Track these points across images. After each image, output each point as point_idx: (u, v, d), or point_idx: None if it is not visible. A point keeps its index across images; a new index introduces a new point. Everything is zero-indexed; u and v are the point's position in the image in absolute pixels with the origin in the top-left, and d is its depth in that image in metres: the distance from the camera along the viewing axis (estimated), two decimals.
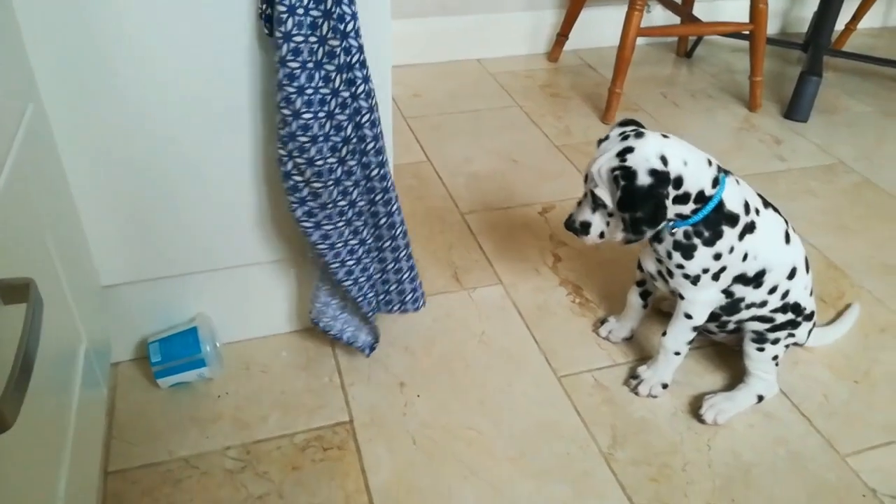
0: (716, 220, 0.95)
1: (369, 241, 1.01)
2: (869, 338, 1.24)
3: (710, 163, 0.95)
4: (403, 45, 2.13)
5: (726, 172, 0.97)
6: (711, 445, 1.03)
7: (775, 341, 1.06)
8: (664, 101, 2.05)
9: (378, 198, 0.98)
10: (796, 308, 1.06)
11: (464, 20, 2.21)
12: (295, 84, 0.83)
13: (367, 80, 0.87)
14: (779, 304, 1.04)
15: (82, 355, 0.79)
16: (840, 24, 2.21)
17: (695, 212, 0.94)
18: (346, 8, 0.82)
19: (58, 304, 0.73)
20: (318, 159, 0.88)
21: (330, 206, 0.93)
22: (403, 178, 1.63)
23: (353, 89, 0.87)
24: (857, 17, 2.35)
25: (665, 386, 1.09)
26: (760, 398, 1.08)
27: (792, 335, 1.08)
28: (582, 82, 2.15)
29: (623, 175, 0.90)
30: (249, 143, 0.96)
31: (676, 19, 2.28)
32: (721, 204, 0.94)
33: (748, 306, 1.04)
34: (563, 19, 2.22)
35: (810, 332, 1.14)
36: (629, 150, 0.91)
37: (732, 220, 0.95)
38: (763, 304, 1.03)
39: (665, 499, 0.96)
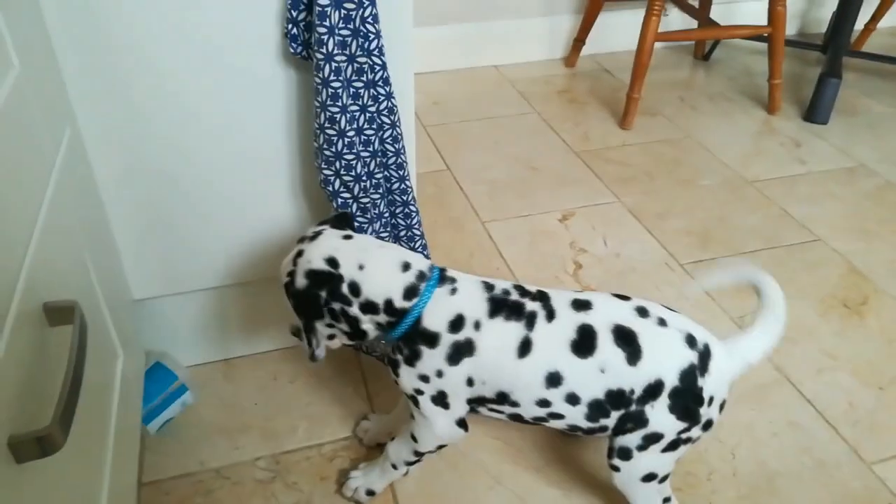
0: (413, 337, 0.80)
1: None
2: (893, 344, 1.24)
3: (406, 267, 0.80)
4: (421, 53, 2.14)
5: (446, 279, 0.81)
6: (736, 454, 1.04)
7: (626, 454, 0.82)
8: (682, 105, 2.05)
9: (399, 210, 1.00)
10: (624, 401, 0.80)
11: (481, 27, 2.22)
12: (339, 103, 0.85)
13: (389, 96, 0.89)
14: (583, 413, 0.81)
15: (119, 371, 0.81)
16: (859, 24, 2.19)
17: (391, 324, 0.80)
18: (370, 27, 0.83)
19: (96, 322, 0.75)
20: (364, 175, 0.90)
21: (377, 219, 0.96)
22: (424, 186, 1.64)
23: (378, 105, 0.89)
24: (876, 17, 2.33)
25: (371, 493, 0.95)
26: None
27: (656, 437, 0.81)
28: (599, 87, 2.16)
29: (289, 280, 0.80)
30: (275, 161, 0.98)
31: (693, 23, 2.27)
32: (419, 319, 0.79)
33: (543, 419, 0.84)
34: (580, 24, 2.22)
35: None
36: (300, 253, 0.80)
37: (430, 339, 0.79)
38: (558, 416, 0.82)
39: None
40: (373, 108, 0.89)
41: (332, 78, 0.83)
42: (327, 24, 0.80)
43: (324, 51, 0.82)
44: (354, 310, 0.79)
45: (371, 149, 0.92)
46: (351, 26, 0.82)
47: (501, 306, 0.81)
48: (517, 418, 0.85)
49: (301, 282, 0.78)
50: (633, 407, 0.80)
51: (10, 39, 0.62)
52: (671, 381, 0.78)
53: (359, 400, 1.11)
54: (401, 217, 1.00)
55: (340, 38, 0.82)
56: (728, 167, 1.75)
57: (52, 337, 0.59)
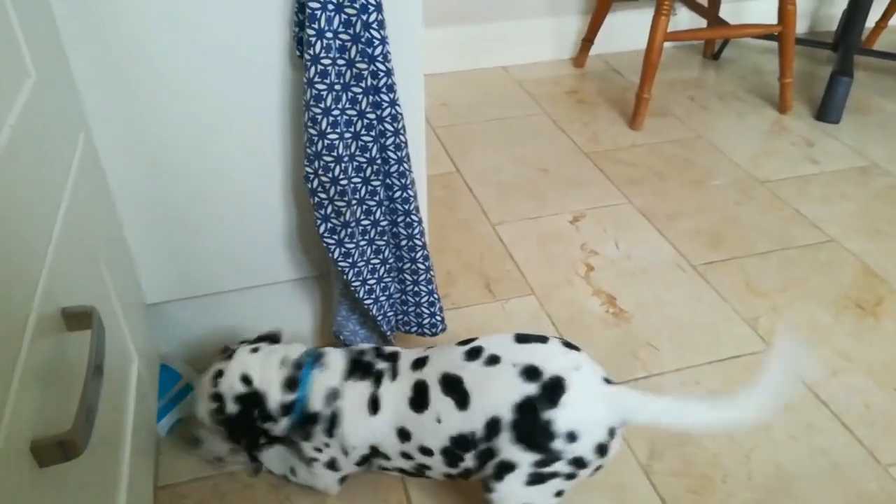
0: (304, 421, 0.88)
1: (391, 261, 1.02)
2: None
3: (282, 363, 0.88)
4: (429, 54, 2.14)
5: (313, 359, 0.89)
6: (751, 457, 1.03)
7: (488, 488, 0.82)
8: (692, 105, 2.05)
9: (400, 219, 0.99)
10: (470, 444, 0.81)
11: (488, 28, 2.22)
12: (321, 105, 0.85)
13: (393, 103, 0.89)
14: (442, 461, 0.85)
15: (135, 374, 0.82)
16: (870, 22, 2.18)
17: (294, 416, 0.88)
18: (374, 33, 0.83)
19: (112, 327, 0.76)
20: (342, 178, 0.90)
21: (353, 224, 0.95)
22: (433, 189, 1.64)
23: (380, 112, 0.89)
24: (887, 15, 2.32)
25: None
26: None
27: (507, 466, 0.80)
28: (608, 87, 2.15)
29: (215, 401, 0.88)
30: (283, 166, 0.98)
31: (702, 21, 2.26)
32: (304, 405, 0.88)
33: (418, 470, 0.89)
34: (588, 24, 2.22)
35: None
36: (219, 373, 0.89)
37: (313, 419, 0.87)
38: (426, 467, 0.87)
39: None
40: (372, 115, 0.89)
41: (316, 79, 0.83)
42: (316, 26, 0.80)
43: (311, 52, 0.82)
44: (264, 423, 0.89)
45: (368, 155, 0.91)
46: (351, 31, 0.82)
47: (357, 367, 0.89)
48: (401, 471, 0.91)
49: (232, 408, 0.88)
50: (482, 445, 0.81)
51: (26, 49, 0.63)
52: (507, 415, 0.78)
53: None
54: (402, 226, 1.00)
55: (339, 43, 0.82)
56: (739, 167, 1.75)
57: (70, 342, 0.60)
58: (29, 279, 0.54)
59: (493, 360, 0.82)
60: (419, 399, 0.83)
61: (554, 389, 0.78)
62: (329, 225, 0.93)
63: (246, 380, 0.88)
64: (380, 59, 0.85)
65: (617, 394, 0.81)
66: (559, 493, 0.81)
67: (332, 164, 0.88)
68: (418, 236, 0.99)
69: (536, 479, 0.79)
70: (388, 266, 1.02)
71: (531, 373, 0.79)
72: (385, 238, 0.98)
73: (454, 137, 1.87)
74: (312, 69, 0.83)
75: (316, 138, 0.86)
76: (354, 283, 0.99)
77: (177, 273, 1.03)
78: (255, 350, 0.91)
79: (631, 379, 1.16)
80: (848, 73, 1.93)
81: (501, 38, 2.24)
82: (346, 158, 0.89)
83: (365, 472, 0.94)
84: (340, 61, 0.83)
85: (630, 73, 2.22)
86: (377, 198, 0.94)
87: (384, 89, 0.87)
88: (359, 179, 0.91)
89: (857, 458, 1.03)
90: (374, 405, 0.86)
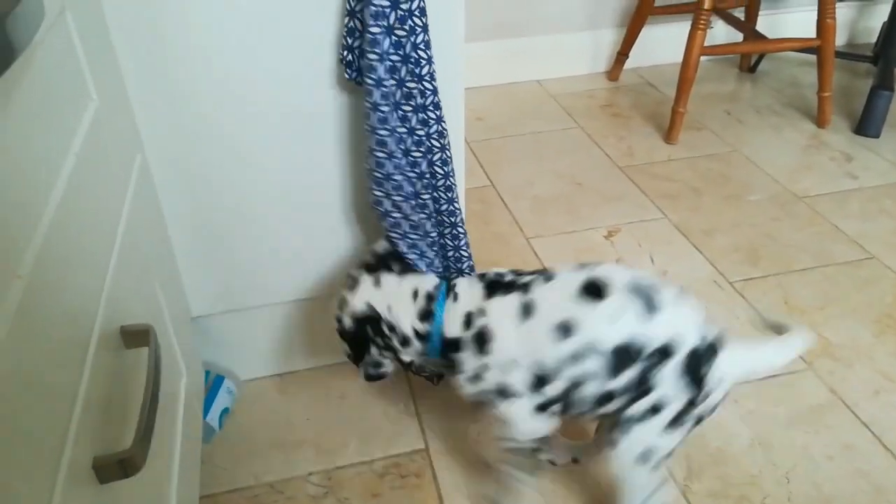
0: (445, 352, 0.88)
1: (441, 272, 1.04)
2: None
3: (415, 296, 0.90)
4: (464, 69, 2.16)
5: (444, 291, 0.90)
6: (791, 478, 1.02)
7: (627, 427, 0.82)
8: (728, 119, 2.03)
9: (447, 231, 1.01)
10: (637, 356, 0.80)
11: (523, 42, 2.23)
12: (387, 126, 0.87)
13: (439, 120, 0.91)
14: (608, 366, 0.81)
15: (184, 389, 0.84)
16: None
17: (431, 347, 0.90)
18: (422, 53, 0.85)
19: (164, 343, 0.78)
20: (411, 195, 0.92)
21: (425, 236, 0.97)
22: (469, 203, 1.65)
23: (427, 129, 0.91)
24: None
25: None
26: None
27: (658, 408, 0.81)
28: (643, 101, 2.15)
29: (337, 321, 0.93)
30: (325, 183, 1.00)
31: (738, 34, 2.25)
32: (442, 334, 0.88)
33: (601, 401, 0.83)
34: (623, 38, 2.22)
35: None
36: (343, 301, 0.93)
37: (456, 345, 0.87)
38: (580, 383, 0.83)
39: None
40: (422, 132, 0.91)
41: (381, 102, 0.85)
42: (378, 50, 0.82)
43: (374, 76, 0.84)
44: (395, 344, 0.91)
45: (418, 170, 0.93)
46: (401, 52, 0.84)
47: (497, 287, 0.88)
48: (567, 406, 0.85)
49: (348, 323, 0.91)
50: (643, 364, 0.79)
51: (89, 75, 0.65)
52: (689, 342, 0.79)
53: (407, 417, 1.13)
54: (449, 238, 1.01)
55: (390, 64, 0.84)
56: (777, 182, 1.73)
57: (127, 359, 0.62)
58: (93, 297, 0.56)
59: (681, 296, 0.82)
60: (594, 290, 0.81)
61: (720, 340, 0.82)
62: (409, 241, 0.96)
63: (369, 306, 0.90)
64: (427, 78, 0.87)
65: (743, 348, 0.85)
66: (679, 443, 0.84)
67: (404, 183, 0.90)
68: (464, 247, 1.01)
69: (675, 421, 0.82)
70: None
71: (705, 322, 0.82)
72: (435, 250, 1.00)
73: (489, 151, 1.89)
74: (377, 93, 0.85)
75: (384, 160, 0.89)
76: None
77: (222, 286, 1.06)
78: (377, 282, 0.92)
79: None
80: (888, 87, 1.90)
81: (536, 52, 2.25)
82: (407, 176, 0.92)
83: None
84: (391, 81, 0.86)
85: (665, 87, 2.21)
86: (427, 211, 0.96)
87: (431, 107, 0.89)
88: (412, 194, 0.94)
89: None
90: (525, 310, 0.83)
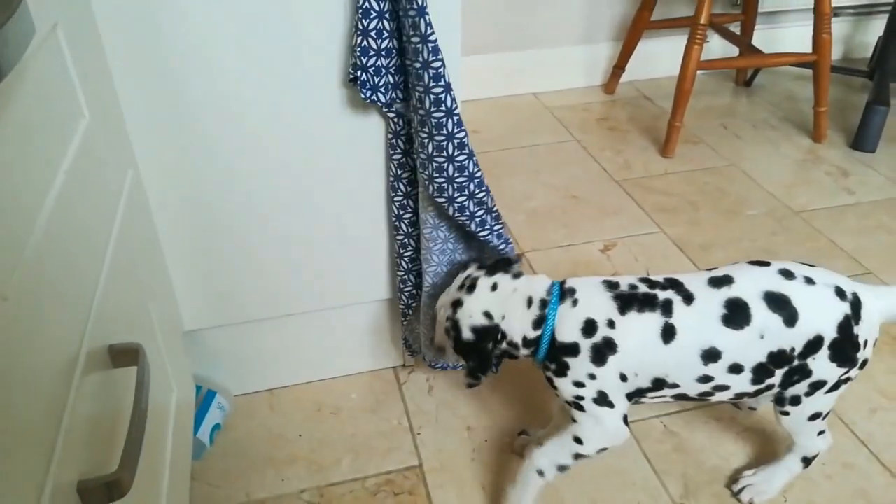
0: (555, 354, 0.88)
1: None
2: None
3: (529, 303, 0.89)
4: (461, 81, 2.16)
5: (558, 295, 0.89)
6: (788, 497, 1.01)
7: (796, 401, 0.90)
8: (725, 133, 2.03)
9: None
10: (785, 359, 0.85)
11: (519, 55, 2.23)
12: (463, 127, 0.90)
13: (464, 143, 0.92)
14: (749, 379, 0.86)
15: (174, 406, 0.83)
16: None
17: (534, 352, 0.90)
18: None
19: (155, 360, 0.77)
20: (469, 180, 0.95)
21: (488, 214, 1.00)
22: None
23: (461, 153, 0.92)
24: None
25: None
26: (807, 462, 0.98)
27: (820, 384, 0.88)
28: (640, 114, 2.15)
29: (452, 327, 0.91)
30: (320, 200, 1.00)
31: (734, 49, 2.26)
32: (553, 339, 0.88)
33: (708, 394, 0.89)
34: (619, 51, 2.23)
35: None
36: (459, 303, 0.91)
37: (570, 350, 0.87)
38: (723, 388, 0.88)
39: None
40: (461, 158, 0.93)
41: (456, 130, 0.89)
42: (443, 82, 0.85)
43: (444, 107, 0.87)
44: (506, 349, 0.91)
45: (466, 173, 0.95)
46: (443, 83, 0.86)
47: (631, 301, 0.87)
48: (682, 397, 0.90)
49: (468, 335, 0.90)
50: (796, 362, 0.86)
51: (81, 91, 0.65)
52: (829, 334, 0.84)
53: (401, 433, 1.12)
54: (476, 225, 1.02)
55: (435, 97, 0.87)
56: (774, 197, 1.73)
57: (114, 378, 0.61)
58: (79, 318, 0.55)
59: (809, 280, 0.86)
60: (736, 316, 0.84)
61: (856, 305, 0.86)
62: (493, 216, 0.99)
63: (487, 315, 0.89)
64: (455, 107, 0.89)
65: (878, 293, 0.89)
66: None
67: (466, 162, 0.92)
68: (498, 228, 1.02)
69: (835, 387, 0.89)
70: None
71: (840, 293, 0.85)
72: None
73: (485, 164, 1.87)
74: (450, 122, 0.87)
75: (466, 161, 0.91)
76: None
77: (214, 301, 1.05)
78: (495, 287, 0.91)
79: (664, 414, 1.14)
80: (884, 102, 1.90)
81: (532, 65, 2.25)
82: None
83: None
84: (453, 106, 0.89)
85: (661, 100, 2.22)
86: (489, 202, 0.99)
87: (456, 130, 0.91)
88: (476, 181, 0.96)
89: None
90: (667, 334, 0.85)
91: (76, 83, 0.64)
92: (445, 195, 0.92)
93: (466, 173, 0.92)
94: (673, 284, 0.88)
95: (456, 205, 0.94)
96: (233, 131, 0.90)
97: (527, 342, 0.89)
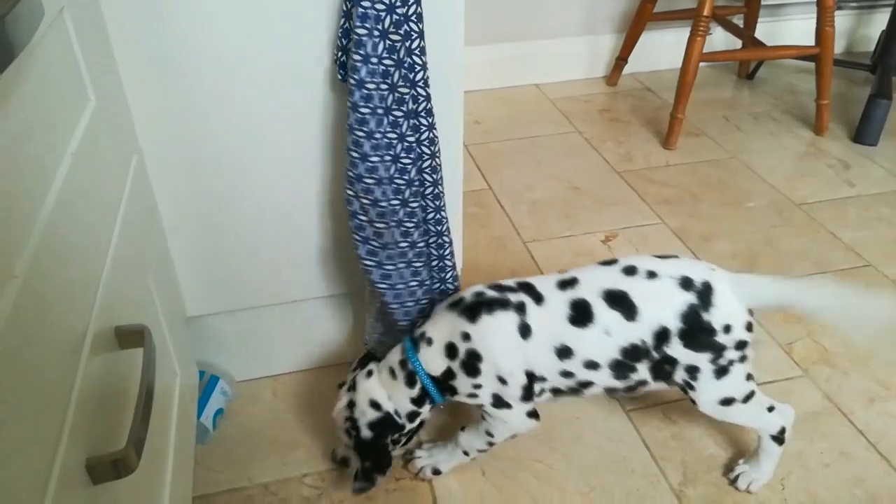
0: (444, 385, 0.93)
1: (427, 283, 1.03)
2: None
3: (393, 374, 0.94)
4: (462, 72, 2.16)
5: (411, 347, 0.94)
6: (785, 485, 1.02)
7: (689, 388, 0.91)
8: (727, 125, 2.04)
9: (433, 240, 1.00)
10: (641, 353, 0.89)
11: (522, 46, 2.23)
12: (365, 129, 0.86)
13: (431, 127, 0.90)
14: (609, 374, 0.90)
15: (178, 389, 0.84)
16: None
17: (430, 401, 0.95)
18: (416, 59, 0.85)
19: (159, 343, 0.78)
20: (382, 200, 0.91)
21: (392, 246, 0.96)
22: (466, 206, 1.65)
23: (419, 135, 0.90)
24: None
25: (437, 472, 1.03)
26: (778, 439, 0.98)
27: (695, 368, 0.89)
28: (642, 106, 2.15)
29: (352, 426, 0.95)
30: (321, 187, 1.00)
31: (737, 41, 2.25)
32: (433, 378, 0.93)
33: (577, 389, 0.93)
34: (622, 43, 2.22)
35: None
36: (352, 403, 0.95)
37: (448, 375, 0.92)
38: (588, 383, 0.92)
39: None
40: (412, 138, 0.90)
41: (361, 103, 0.85)
42: (362, 52, 0.82)
43: (356, 76, 0.84)
44: (406, 425, 0.96)
45: (407, 177, 0.92)
46: (395, 57, 0.84)
47: (480, 308, 0.91)
48: (558, 392, 0.94)
49: (366, 433, 0.94)
50: (655, 354, 0.89)
51: (87, 74, 0.65)
52: (674, 324, 0.87)
53: None
54: (434, 247, 1.01)
55: (383, 68, 0.84)
56: (775, 189, 1.73)
57: (120, 359, 0.62)
58: (86, 299, 0.56)
59: (651, 274, 0.89)
60: (580, 315, 0.88)
61: (705, 293, 0.87)
62: (368, 247, 0.95)
63: (374, 405, 0.94)
64: (420, 84, 0.86)
65: (745, 281, 0.90)
66: (749, 377, 0.92)
67: (374, 187, 0.90)
68: (448, 257, 1.01)
69: (720, 371, 0.89)
70: (424, 288, 1.02)
71: (686, 283, 0.88)
72: (423, 259, 0.99)
73: (487, 155, 1.89)
74: (357, 93, 0.85)
75: (358, 161, 0.88)
76: (392, 306, 1.00)
77: (217, 287, 1.06)
78: (369, 374, 0.96)
79: (663, 402, 1.15)
80: (886, 96, 1.91)
81: (535, 56, 2.25)
82: (385, 181, 0.90)
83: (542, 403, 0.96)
84: (384, 86, 0.85)
85: (664, 92, 2.22)
86: (415, 219, 0.95)
87: (423, 113, 0.89)
88: (397, 201, 0.93)
89: (894, 489, 1.01)
90: (524, 331, 0.89)
91: (82, 66, 0.64)
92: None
93: (355, 172, 0.90)
94: (524, 287, 0.92)
95: (344, 195, 0.93)
96: (235, 118, 0.91)
97: (418, 401, 0.94)
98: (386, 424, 0.94)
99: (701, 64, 1.85)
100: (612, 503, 1.00)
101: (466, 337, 0.90)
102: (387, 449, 0.95)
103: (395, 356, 0.95)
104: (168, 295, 0.90)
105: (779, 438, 0.98)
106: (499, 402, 0.93)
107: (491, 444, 0.98)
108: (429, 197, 0.95)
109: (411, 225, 0.96)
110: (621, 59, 2.24)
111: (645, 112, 2.11)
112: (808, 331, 1.30)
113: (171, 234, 0.98)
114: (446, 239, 0.99)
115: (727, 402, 0.93)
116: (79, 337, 0.53)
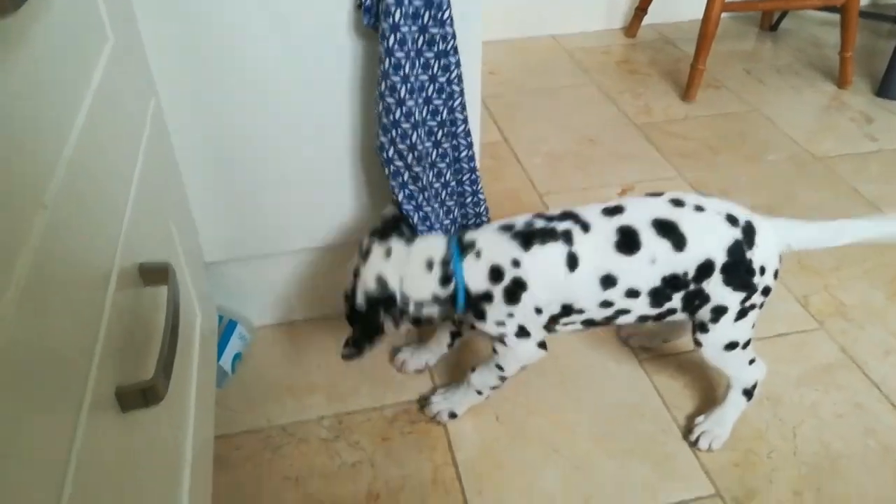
0: (472, 303, 0.91)
1: (459, 221, 1.04)
2: None
3: (430, 266, 0.90)
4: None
5: (458, 250, 0.90)
6: (798, 433, 1.03)
7: (704, 328, 0.92)
8: (748, 78, 2.00)
9: (465, 177, 1.01)
10: (681, 283, 0.88)
11: None
12: (400, 73, 0.86)
13: (458, 64, 0.90)
14: (647, 302, 0.89)
15: (198, 330, 0.85)
16: None
17: (452, 306, 0.92)
18: None
19: (180, 283, 0.78)
20: (419, 144, 0.91)
21: (428, 188, 0.96)
22: (481, 158, 1.64)
23: (449, 75, 0.90)
24: None
25: (453, 415, 1.03)
26: (748, 393, 0.99)
27: (722, 309, 0.90)
28: (661, 58, 2.11)
29: (348, 295, 0.93)
30: (341, 132, 1.00)
31: None
32: (467, 291, 0.90)
33: (611, 318, 0.92)
34: None
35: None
36: (357, 272, 0.92)
37: (485, 298, 0.90)
38: (625, 311, 0.91)
39: (749, 484, 0.97)
40: (443, 78, 0.90)
41: (395, 48, 0.84)
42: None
43: (390, 21, 0.82)
44: (413, 313, 0.92)
45: (439, 118, 0.92)
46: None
47: (534, 237, 0.89)
48: (590, 323, 0.94)
49: (361, 302, 0.91)
50: (692, 286, 0.88)
51: (105, 12, 0.65)
52: (720, 258, 0.87)
53: None
54: (467, 184, 1.01)
55: (413, 9, 0.83)
56: (795, 143, 1.71)
57: (143, 297, 0.63)
58: (111, 235, 0.56)
59: (699, 208, 0.88)
60: (628, 243, 0.87)
61: (749, 232, 0.88)
62: (407, 191, 0.95)
63: (381, 283, 0.90)
64: (448, 22, 0.86)
65: (782, 225, 0.91)
66: (753, 325, 0.93)
67: (410, 131, 0.90)
68: (481, 192, 1.01)
69: (741, 314, 0.91)
70: (457, 226, 1.03)
71: (732, 219, 0.88)
72: (455, 199, 1.00)
73: (502, 106, 1.87)
74: (391, 38, 0.83)
75: (394, 106, 0.88)
76: None
77: (234, 233, 1.06)
78: (388, 253, 0.91)
79: (678, 353, 1.16)
80: None
81: (552, 6, 2.21)
82: (420, 123, 0.90)
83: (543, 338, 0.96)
84: (414, 27, 0.84)
85: (683, 44, 2.17)
86: (447, 159, 0.95)
87: (451, 52, 0.88)
88: (430, 143, 0.93)
89: None
90: (572, 261, 0.88)
91: (101, 4, 0.64)
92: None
93: (391, 118, 0.88)
94: (569, 216, 0.90)
95: (377, 142, 0.92)
96: (251, 63, 0.90)
97: (441, 300, 0.91)
98: (384, 303, 0.91)
99: (723, 15, 1.81)
100: (624, 448, 1.01)
101: (516, 264, 0.88)
102: (379, 321, 0.92)
103: (436, 251, 0.91)
104: (187, 239, 0.90)
105: (749, 393, 0.99)
106: (522, 332, 0.92)
107: (502, 378, 0.98)
108: (461, 135, 0.95)
109: (444, 165, 0.96)
110: (641, 10, 2.19)
111: (664, 64, 2.07)
112: (825, 284, 1.29)
113: (189, 180, 0.98)
114: (477, 175, 1.00)
115: (731, 346, 0.94)
116: (105, 270, 0.53)
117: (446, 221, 1.01)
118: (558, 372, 1.13)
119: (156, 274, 0.62)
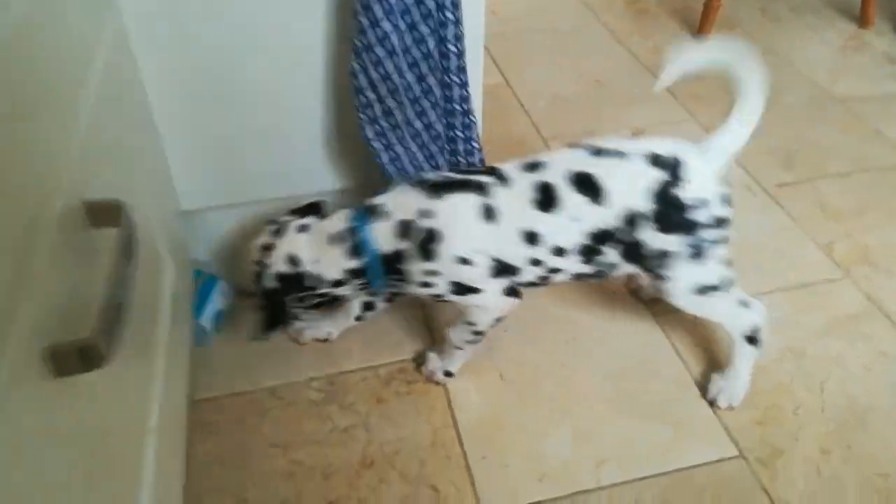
0: (391, 267, 0.85)
1: (445, 168, 0.94)
2: None
3: (332, 240, 0.85)
4: None
5: (364, 216, 0.84)
6: (825, 388, 0.96)
7: (659, 276, 0.85)
8: (763, 18, 1.88)
9: (457, 121, 0.91)
10: (611, 237, 0.82)
11: None
12: None
13: None
14: (578, 260, 0.84)
15: (168, 282, 0.77)
16: None
17: (372, 275, 0.86)
18: None
19: (145, 230, 0.70)
20: (395, 74, 0.81)
21: (403, 126, 0.86)
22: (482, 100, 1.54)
23: None
24: None
25: (449, 374, 0.97)
26: (753, 340, 0.91)
27: (665, 253, 0.82)
28: None
29: (259, 271, 0.87)
30: (324, 69, 0.90)
31: None
32: (379, 257, 0.84)
33: (546, 277, 0.87)
34: None
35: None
36: (269, 247, 0.87)
37: (397, 257, 0.84)
38: (557, 270, 0.86)
39: (773, 442, 0.90)
40: (431, 3, 0.79)
41: None
42: None
43: None
44: (325, 292, 0.87)
45: (424, 48, 0.82)
46: None
47: (445, 187, 0.82)
48: (530, 285, 0.87)
49: (271, 282, 0.86)
50: (627, 238, 0.82)
51: None
52: (646, 206, 0.80)
53: (416, 322, 1.06)
54: (459, 129, 0.92)
55: None
56: (815, 84, 1.60)
57: (98, 242, 0.54)
58: (50, 166, 0.47)
59: (619, 154, 0.82)
60: (546, 199, 0.81)
61: (676, 168, 0.80)
62: (377, 128, 0.85)
63: (292, 260, 0.86)
64: None
65: (709, 146, 0.83)
66: (727, 263, 0.85)
67: (385, 58, 0.79)
68: (476, 139, 0.91)
69: (696, 254, 0.83)
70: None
71: (655, 160, 0.81)
72: (440, 143, 0.90)
73: (504, 47, 1.75)
74: None
75: (367, 27, 0.77)
76: None
77: (214, 180, 0.98)
78: (303, 228, 0.87)
79: None
80: None
81: None
82: (399, 52, 0.80)
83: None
84: None
85: None
86: (433, 97, 0.85)
87: None
88: (412, 76, 0.82)
89: None
90: (488, 213, 0.82)
91: None
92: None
93: (364, 40, 0.80)
94: (489, 171, 0.84)
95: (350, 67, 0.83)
96: None
97: (355, 273, 0.85)
98: (295, 282, 0.86)
99: None
100: (639, 409, 0.94)
101: (427, 214, 0.82)
102: (285, 304, 0.88)
103: (338, 223, 0.86)
104: (156, 182, 0.81)
105: (753, 339, 0.91)
106: (461, 288, 0.85)
107: (477, 332, 0.91)
108: (452, 71, 0.85)
109: (428, 104, 0.86)
110: None
111: (674, 3, 1.95)
112: (848, 230, 1.21)
113: (163, 123, 0.88)
114: (473, 119, 0.90)
115: (703, 290, 0.86)
116: (37, 203, 0.44)
117: (426, 167, 0.90)
118: (569, 329, 1.05)
119: (106, 213, 0.53)
